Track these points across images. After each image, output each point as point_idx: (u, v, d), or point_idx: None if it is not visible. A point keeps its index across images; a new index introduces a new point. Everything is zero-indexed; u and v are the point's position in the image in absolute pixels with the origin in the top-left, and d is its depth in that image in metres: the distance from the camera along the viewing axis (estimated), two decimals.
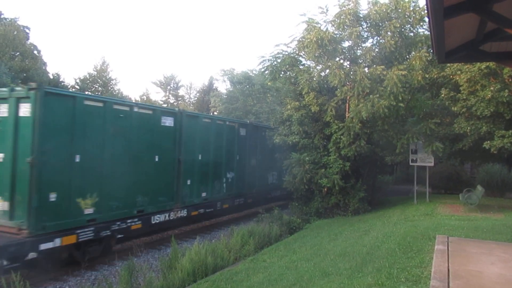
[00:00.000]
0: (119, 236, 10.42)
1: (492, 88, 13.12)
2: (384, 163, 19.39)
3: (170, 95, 56.25)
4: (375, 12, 14.25)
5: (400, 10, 14.24)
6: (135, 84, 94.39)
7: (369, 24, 14.94)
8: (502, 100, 13.05)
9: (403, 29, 14.48)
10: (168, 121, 12.02)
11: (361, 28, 14.61)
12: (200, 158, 13.56)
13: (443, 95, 15.09)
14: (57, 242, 8.43)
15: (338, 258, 8.14)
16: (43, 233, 8.20)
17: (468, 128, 14.32)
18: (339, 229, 12.17)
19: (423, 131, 14.03)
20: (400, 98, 13.03)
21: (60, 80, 33.65)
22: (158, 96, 59.27)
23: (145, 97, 52.84)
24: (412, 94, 14.36)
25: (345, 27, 14.38)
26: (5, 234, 8.07)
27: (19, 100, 8.35)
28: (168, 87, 55.84)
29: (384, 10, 14.28)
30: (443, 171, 20.35)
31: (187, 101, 55.41)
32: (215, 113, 37.03)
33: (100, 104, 9.71)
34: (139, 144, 10.77)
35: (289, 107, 16.48)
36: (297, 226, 14.08)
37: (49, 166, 8.31)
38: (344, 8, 14.45)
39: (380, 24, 14.61)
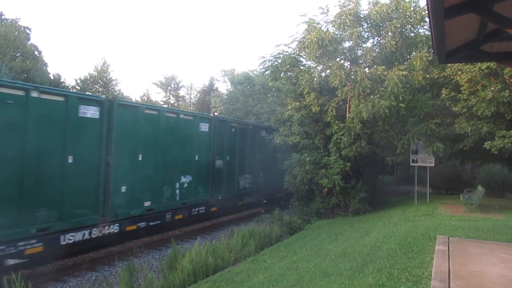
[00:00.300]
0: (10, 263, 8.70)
1: (492, 88, 13.12)
2: (384, 164, 19.37)
3: (170, 96, 56.32)
4: (375, 13, 14.25)
5: (400, 11, 14.23)
6: (136, 84, 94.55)
7: (369, 24, 14.93)
8: (503, 100, 13.04)
9: (403, 30, 14.47)
10: (90, 112, 9.68)
11: (361, 28, 14.60)
12: (140, 158, 11.15)
13: (443, 95, 15.08)
14: None
15: (338, 259, 8.14)
16: None
17: (469, 128, 14.31)
18: (339, 230, 12.16)
19: (423, 132, 14.01)
20: (401, 99, 13.02)
21: (61, 80, 33.71)
22: (158, 96, 59.33)
23: (145, 97, 52.91)
24: (413, 94, 14.35)
25: (346, 27, 14.38)
26: None
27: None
28: (169, 88, 55.90)
29: (385, 10, 14.27)
30: (444, 171, 20.34)
31: (187, 101, 55.47)
32: (216, 113, 37.00)
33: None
34: (40, 139, 8.51)
35: (289, 107, 16.49)
36: (298, 227, 14.07)
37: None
38: (344, 9, 14.44)
39: (381, 24, 14.60)
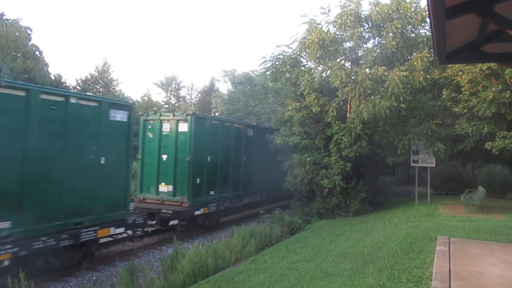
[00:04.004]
0: None
1: (493, 89, 13.11)
2: (385, 164, 19.39)
3: (171, 96, 56.35)
4: (376, 13, 14.25)
5: (401, 11, 14.24)
6: (137, 85, 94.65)
7: (370, 25, 14.94)
8: (504, 101, 13.03)
9: (404, 30, 14.48)
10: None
11: (362, 29, 14.61)
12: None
13: (444, 96, 15.08)
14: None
15: (339, 259, 8.14)
16: None
17: (470, 129, 14.31)
18: (340, 230, 12.16)
19: (424, 132, 14.01)
20: (402, 99, 13.03)
21: (62, 81, 33.74)
22: (159, 97, 59.31)
23: (146, 98, 52.93)
24: (414, 95, 14.35)
25: (347, 28, 14.38)
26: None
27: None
28: (170, 88, 55.92)
29: (386, 11, 14.27)
30: (445, 172, 20.32)
31: (188, 101, 55.51)
32: (217, 113, 37.00)
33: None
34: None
35: (290, 108, 16.49)
36: (298, 227, 14.08)
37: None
38: (345, 9, 14.46)
39: (382, 25, 14.60)
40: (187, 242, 12.21)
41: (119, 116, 10.01)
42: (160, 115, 13.65)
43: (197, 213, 13.06)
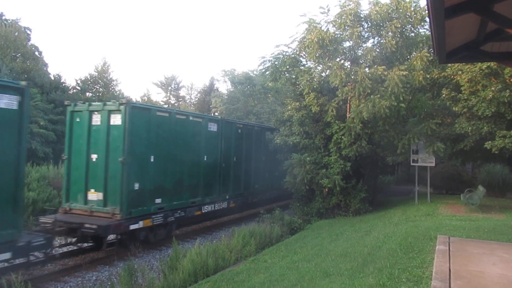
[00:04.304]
0: None
1: (493, 88, 13.10)
2: (385, 164, 19.37)
3: (171, 96, 56.31)
4: (376, 13, 14.25)
5: (401, 10, 14.24)
6: (136, 85, 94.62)
7: (370, 24, 14.93)
8: (503, 100, 13.03)
9: (404, 29, 14.48)
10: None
11: (362, 28, 14.61)
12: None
13: (444, 95, 15.08)
14: None
15: (339, 259, 8.14)
16: None
17: (469, 128, 14.31)
18: (340, 230, 12.16)
19: (424, 132, 14.01)
20: (401, 99, 13.02)
21: (61, 81, 33.69)
22: (159, 97, 59.28)
23: (146, 98, 52.92)
24: (413, 94, 14.35)
25: (346, 27, 14.38)
26: None
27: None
28: (169, 88, 55.89)
29: (385, 10, 14.28)
30: (444, 171, 20.33)
31: (188, 101, 55.46)
32: (216, 113, 36.99)
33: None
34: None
35: (289, 107, 16.50)
36: (298, 227, 14.09)
37: None
38: (345, 9, 14.46)
39: (381, 24, 14.60)
40: (187, 242, 12.21)
41: (5, 102, 7.59)
42: (89, 105, 11.22)
43: (133, 227, 10.55)
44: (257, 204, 17.73)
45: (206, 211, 13.93)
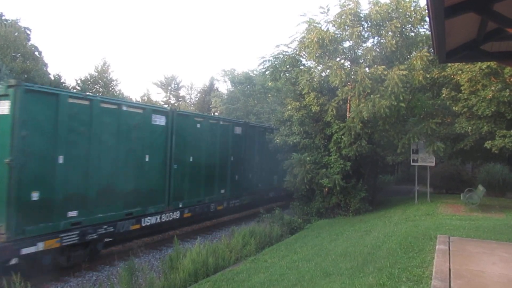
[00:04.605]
0: None
1: (493, 88, 13.12)
2: (385, 163, 19.37)
3: (171, 96, 56.32)
4: (375, 12, 14.25)
5: (401, 10, 14.23)
6: (136, 84, 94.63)
7: (369, 24, 14.92)
8: (503, 99, 13.04)
9: (404, 29, 14.47)
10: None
11: (361, 28, 14.60)
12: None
13: (444, 95, 15.08)
14: None
15: (339, 258, 8.14)
16: None
17: (469, 128, 14.31)
18: (340, 229, 12.16)
19: (424, 131, 14.02)
20: (401, 98, 13.02)
21: (62, 81, 33.70)
22: (159, 96, 59.27)
23: (146, 97, 52.92)
24: (413, 94, 14.35)
25: (346, 27, 14.38)
26: None
27: None
28: (169, 88, 55.91)
29: (385, 10, 14.27)
30: (444, 171, 20.34)
31: (188, 101, 55.48)
32: (216, 113, 37.03)
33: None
34: None
35: (289, 107, 16.50)
36: (298, 226, 14.09)
37: None
38: (344, 8, 14.45)
39: (381, 24, 14.60)
40: (187, 242, 12.21)
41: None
42: None
43: (27, 250, 7.87)
44: (222, 214, 15.82)
45: (147, 224, 11.31)
